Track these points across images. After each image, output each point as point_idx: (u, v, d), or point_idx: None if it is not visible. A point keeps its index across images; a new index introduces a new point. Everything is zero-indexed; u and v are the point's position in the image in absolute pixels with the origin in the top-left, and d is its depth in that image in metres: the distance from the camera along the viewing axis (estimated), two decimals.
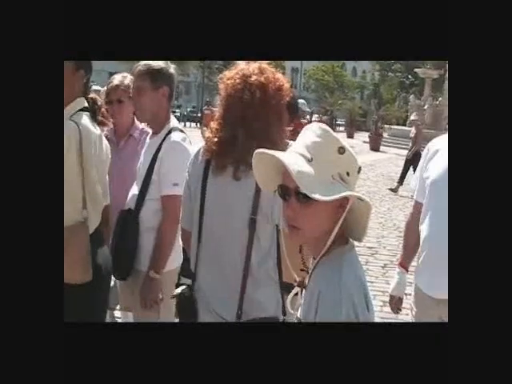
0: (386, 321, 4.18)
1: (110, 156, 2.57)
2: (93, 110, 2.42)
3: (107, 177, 2.58)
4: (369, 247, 7.02)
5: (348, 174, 1.34)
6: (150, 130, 3.01)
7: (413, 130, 13.38)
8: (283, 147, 1.87)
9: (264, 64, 2.15)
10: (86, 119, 2.32)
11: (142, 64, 2.78)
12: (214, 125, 2.15)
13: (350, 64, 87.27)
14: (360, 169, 1.37)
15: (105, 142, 2.51)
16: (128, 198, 2.87)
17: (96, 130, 2.38)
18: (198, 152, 2.21)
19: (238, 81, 2.09)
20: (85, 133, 2.25)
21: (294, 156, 1.33)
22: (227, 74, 2.15)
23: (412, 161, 11.77)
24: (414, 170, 3.60)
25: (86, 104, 2.39)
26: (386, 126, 33.06)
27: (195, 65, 47.53)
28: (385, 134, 28.11)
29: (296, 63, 75.55)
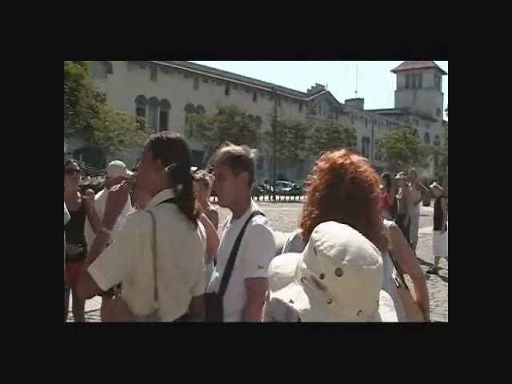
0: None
1: (203, 248, 2.55)
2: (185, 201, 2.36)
3: (203, 268, 2.58)
4: None
5: (322, 276, 1.25)
6: None
7: (400, 190, 10.72)
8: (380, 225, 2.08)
9: (356, 157, 2.22)
10: (166, 211, 2.27)
11: (223, 151, 2.90)
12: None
13: (421, 130, 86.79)
14: (340, 271, 1.22)
15: (200, 235, 2.47)
16: (210, 281, 2.91)
17: (179, 223, 2.32)
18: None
19: (331, 177, 2.16)
20: (160, 225, 2.19)
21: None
22: (321, 165, 2.23)
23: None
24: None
25: (172, 195, 2.33)
26: None
27: (266, 140, 48.65)
28: None
29: (367, 133, 75.79)
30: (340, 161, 2.18)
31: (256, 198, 34.55)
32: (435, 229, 10.39)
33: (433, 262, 11.18)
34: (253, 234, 2.77)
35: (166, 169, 2.29)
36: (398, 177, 10.32)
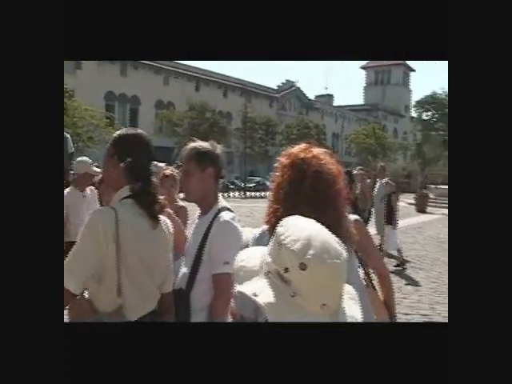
0: None
1: (170, 244, 2.53)
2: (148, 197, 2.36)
3: (170, 265, 2.56)
4: (422, 314, 6.81)
5: (286, 270, 1.25)
6: None
7: (359, 186, 10.52)
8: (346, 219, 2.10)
9: (318, 150, 2.19)
10: (127, 207, 2.27)
11: (189, 147, 2.90)
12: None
13: (390, 126, 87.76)
14: (304, 265, 1.23)
15: (165, 231, 2.48)
16: (178, 277, 2.91)
17: (140, 218, 2.32)
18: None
19: (294, 173, 2.14)
20: (122, 221, 2.19)
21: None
22: (283, 161, 2.20)
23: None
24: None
25: (131, 192, 2.32)
26: (431, 186, 32.71)
27: (237, 136, 48.63)
28: (431, 195, 27.77)
29: (337, 128, 76.32)
30: (301, 155, 2.15)
31: (226, 195, 34.54)
32: (386, 224, 10.49)
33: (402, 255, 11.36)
34: (220, 229, 2.77)
35: (122, 164, 2.29)
36: (355, 172, 10.26)
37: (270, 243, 1.33)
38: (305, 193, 2.09)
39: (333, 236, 1.31)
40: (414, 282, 8.78)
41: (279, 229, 1.31)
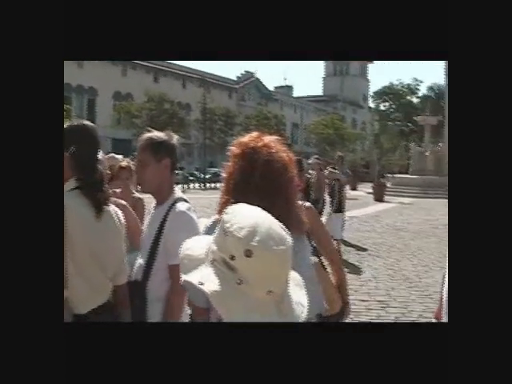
0: None
1: (121, 235, 2.53)
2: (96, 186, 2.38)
3: (123, 257, 2.55)
4: (379, 301, 6.95)
5: (232, 257, 1.25)
6: None
7: (314, 174, 10.48)
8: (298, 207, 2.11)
9: (269, 138, 2.18)
10: (73, 198, 2.28)
11: (145, 137, 2.87)
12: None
13: (349, 116, 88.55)
14: (250, 252, 1.23)
15: (114, 223, 2.46)
16: (134, 268, 2.90)
17: (87, 210, 2.33)
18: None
19: (245, 163, 2.13)
20: (68, 212, 2.18)
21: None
22: (234, 150, 2.19)
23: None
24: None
25: (77, 183, 2.35)
26: (388, 175, 33.25)
27: (196, 127, 48.33)
28: (388, 184, 28.23)
29: (296, 119, 76.63)
30: (252, 144, 2.14)
31: (186, 186, 34.34)
32: (332, 211, 10.57)
33: (359, 244, 11.55)
34: (175, 220, 2.76)
35: (66, 155, 2.29)
36: (310, 161, 10.32)
37: (216, 231, 1.33)
38: (255, 183, 2.08)
39: (278, 223, 1.32)
40: (371, 269, 8.93)
41: (224, 216, 1.31)
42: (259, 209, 1.36)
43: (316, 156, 11.91)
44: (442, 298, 2.72)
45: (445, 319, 2.37)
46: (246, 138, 2.19)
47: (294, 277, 1.37)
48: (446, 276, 2.36)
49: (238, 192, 2.09)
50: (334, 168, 10.88)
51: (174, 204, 2.82)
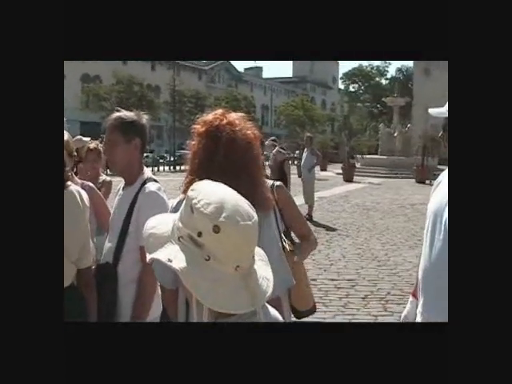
0: None
1: (84, 217, 2.50)
2: None
3: (87, 240, 2.52)
4: (348, 279, 7.05)
5: (200, 234, 1.25)
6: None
7: (271, 155, 10.85)
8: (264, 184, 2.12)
9: (233, 116, 2.17)
10: None
11: (114, 117, 2.82)
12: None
13: (318, 98, 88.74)
14: (218, 228, 1.23)
15: (77, 205, 2.42)
16: (104, 251, 2.87)
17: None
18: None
19: (208, 141, 2.12)
20: None
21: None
22: (198, 128, 2.17)
23: None
24: None
25: None
26: (358, 156, 33.54)
27: (165, 109, 47.89)
28: (357, 165, 28.48)
29: (266, 101, 76.49)
30: (216, 122, 2.12)
31: (156, 169, 34.09)
32: None
33: (329, 224, 11.66)
34: (146, 200, 2.73)
35: None
36: (267, 143, 10.29)
37: (181, 208, 1.33)
38: (218, 161, 2.08)
39: (244, 199, 1.33)
40: (340, 249, 9.04)
41: (190, 193, 1.31)
42: (224, 185, 1.36)
43: (273, 137, 12.08)
44: (417, 278, 2.78)
45: (421, 298, 2.43)
46: (210, 116, 2.17)
47: (258, 252, 1.38)
48: (422, 258, 2.41)
49: (202, 171, 2.08)
50: (282, 148, 11.17)
51: (143, 184, 2.78)
